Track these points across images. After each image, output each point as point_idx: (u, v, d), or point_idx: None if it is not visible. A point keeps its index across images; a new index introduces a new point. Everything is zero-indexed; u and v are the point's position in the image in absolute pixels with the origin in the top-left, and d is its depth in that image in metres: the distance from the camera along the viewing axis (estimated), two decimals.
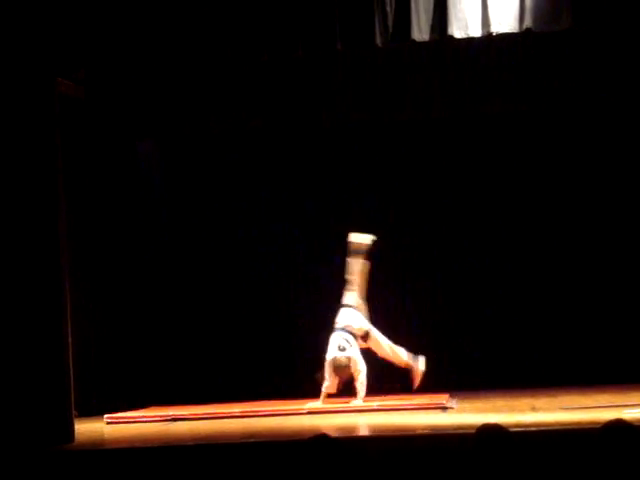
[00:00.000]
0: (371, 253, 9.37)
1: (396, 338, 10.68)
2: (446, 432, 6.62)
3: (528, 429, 6.45)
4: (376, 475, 5.58)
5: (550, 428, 6.54)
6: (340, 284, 10.41)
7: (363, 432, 7.13)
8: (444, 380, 9.92)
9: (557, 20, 7.89)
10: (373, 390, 9.48)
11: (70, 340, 7.66)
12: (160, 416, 8.97)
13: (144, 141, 10.84)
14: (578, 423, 6.66)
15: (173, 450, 6.69)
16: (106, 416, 8.89)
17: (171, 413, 9.01)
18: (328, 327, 9.63)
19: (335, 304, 10.21)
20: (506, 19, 7.92)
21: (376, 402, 8.81)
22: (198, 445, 6.70)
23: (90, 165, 10.10)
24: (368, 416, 8.19)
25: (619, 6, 7.86)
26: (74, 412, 7.77)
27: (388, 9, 7.97)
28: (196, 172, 11.33)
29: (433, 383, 9.71)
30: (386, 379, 10.17)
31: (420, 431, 6.80)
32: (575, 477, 5.19)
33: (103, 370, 10.03)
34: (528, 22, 7.90)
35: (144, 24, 8.26)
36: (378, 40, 8.03)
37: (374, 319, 9.43)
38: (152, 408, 9.65)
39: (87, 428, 8.34)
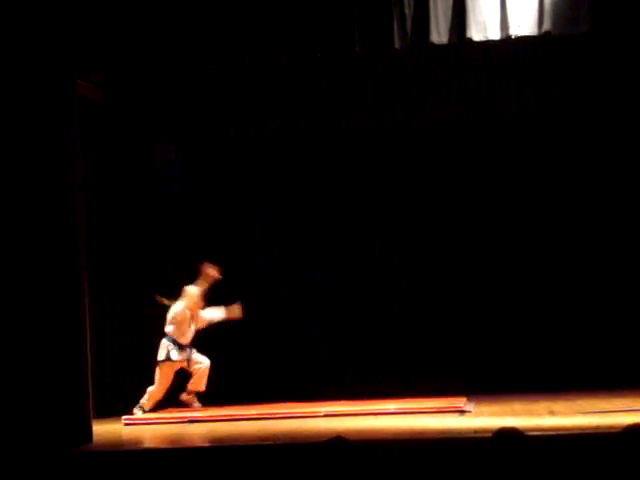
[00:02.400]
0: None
1: (413, 342, 10.75)
2: (463, 436, 6.60)
3: (546, 433, 6.43)
4: (392, 478, 5.58)
5: (568, 432, 6.51)
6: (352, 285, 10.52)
7: (380, 435, 7.11)
8: (462, 383, 9.92)
9: (576, 23, 7.87)
10: (390, 394, 9.50)
11: (89, 341, 7.69)
12: (177, 418, 8.99)
13: (162, 144, 10.87)
14: (597, 427, 6.62)
15: (190, 452, 6.71)
16: (124, 417, 8.93)
17: (188, 415, 9.03)
18: (338, 330, 9.68)
19: (344, 307, 10.35)
20: (525, 22, 7.90)
21: (393, 405, 8.80)
22: (214, 447, 6.72)
23: (109, 167, 10.15)
24: (385, 419, 8.18)
25: (638, 10, 7.83)
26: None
27: (407, 12, 7.97)
28: (214, 175, 11.36)
29: (451, 386, 9.73)
30: (401, 382, 10.21)
31: (437, 435, 6.79)
32: None
33: (122, 371, 10.06)
34: (547, 25, 7.88)
35: (163, 29, 8.29)
36: (397, 43, 8.02)
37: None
38: (169, 410, 9.67)
39: (105, 429, 8.37)
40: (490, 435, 4.15)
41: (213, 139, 10.59)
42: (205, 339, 11.00)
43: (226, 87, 9.66)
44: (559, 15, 7.84)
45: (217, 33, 8.25)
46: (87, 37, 8.16)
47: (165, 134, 10.21)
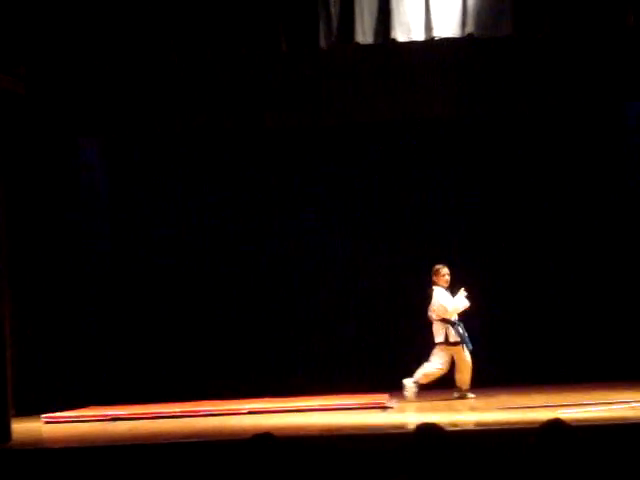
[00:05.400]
0: None
1: (337, 339, 10.81)
2: (385, 431, 6.68)
3: (466, 428, 6.54)
4: (316, 473, 5.61)
5: (488, 428, 6.64)
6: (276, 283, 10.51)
7: (304, 431, 7.15)
8: (385, 380, 10.02)
9: (498, 26, 7.99)
10: (317, 390, 9.55)
11: (9, 339, 7.56)
12: (99, 416, 8.90)
13: (85, 138, 10.73)
14: (516, 423, 6.77)
15: (112, 450, 6.64)
16: (43, 416, 8.80)
17: (110, 413, 8.94)
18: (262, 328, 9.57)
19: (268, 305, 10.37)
20: (448, 24, 7.99)
21: (317, 402, 8.85)
22: (137, 445, 6.67)
23: (30, 161, 9.98)
24: (309, 415, 8.22)
25: (559, 14, 7.99)
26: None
27: (332, 11, 7.99)
28: (138, 170, 11.27)
29: (375, 383, 9.83)
30: (325, 379, 10.27)
31: (360, 430, 6.86)
32: (513, 475, 5.28)
33: (41, 369, 9.91)
34: (470, 27, 7.99)
35: (86, 22, 8.17)
36: (322, 42, 8.05)
37: None
38: (91, 407, 9.57)
39: (25, 427, 8.24)
40: (411, 430, 4.21)
41: (137, 134, 10.50)
42: (131, 337, 10.97)
43: (152, 82, 9.57)
44: (482, 18, 7.95)
45: (142, 27, 8.15)
46: (7, 30, 8.01)
47: (88, 128, 10.07)
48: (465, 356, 9.29)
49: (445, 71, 9.29)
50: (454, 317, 9.38)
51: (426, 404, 8.78)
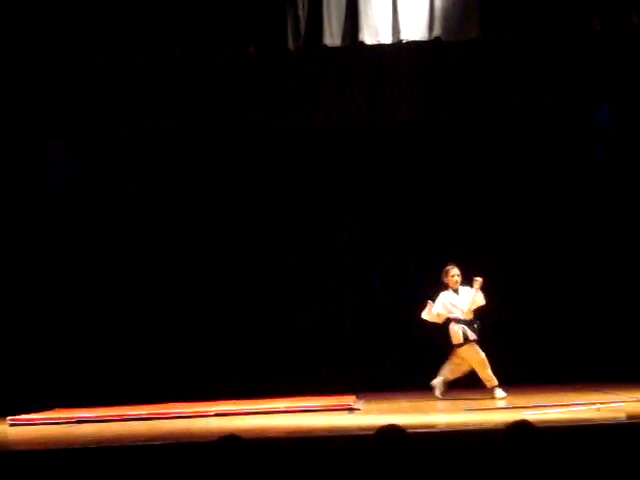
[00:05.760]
0: None
1: (304, 341, 10.81)
2: (350, 433, 6.69)
3: (432, 430, 6.57)
4: (282, 475, 5.62)
5: (454, 429, 6.67)
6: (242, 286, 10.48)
7: (271, 433, 7.14)
8: (353, 382, 10.04)
9: (465, 30, 8.04)
10: (284, 392, 9.55)
11: None
12: (65, 418, 8.84)
13: (52, 139, 10.67)
14: (481, 424, 6.80)
15: (77, 452, 6.60)
16: (9, 418, 8.73)
17: (76, 415, 8.89)
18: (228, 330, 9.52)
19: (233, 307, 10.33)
20: (416, 27, 8.03)
21: (284, 404, 8.85)
22: (102, 447, 6.64)
23: None
24: (276, 417, 8.22)
25: (525, 18, 8.05)
26: None
27: (300, 14, 8.01)
28: (106, 171, 11.21)
29: (342, 385, 9.85)
30: (293, 381, 10.27)
31: (326, 432, 6.86)
32: (478, 477, 5.30)
33: (6, 372, 9.84)
34: (437, 31, 8.03)
35: (52, 21, 8.12)
36: (291, 45, 8.06)
37: None
38: (57, 410, 9.50)
39: None
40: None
41: (104, 135, 10.45)
42: (98, 339, 10.90)
43: (119, 82, 9.51)
44: (449, 21, 8.01)
45: (109, 28, 8.13)
46: None
47: (55, 129, 10.00)
48: (473, 353, 9.20)
49: (412, 74, 9.32)
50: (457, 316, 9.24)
51: (394, 406, 8.81)
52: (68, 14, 8.16)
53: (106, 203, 11.15)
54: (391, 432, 4.14)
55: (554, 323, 10.62)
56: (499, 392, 9.01)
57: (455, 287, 9.30)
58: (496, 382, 9.03)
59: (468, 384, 9.61)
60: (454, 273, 9.28)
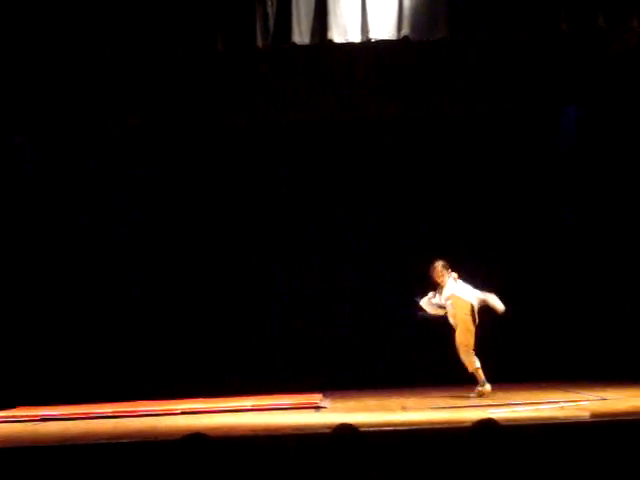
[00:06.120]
0: None
1: (271, 340, 10.80)
2: (316, 431, 6.70)
3: (398, 428, 6.59)
4: (247, 473, 5.61)
5: (420, 427, 6.69)
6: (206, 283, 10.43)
7: (237, 432, 7.14)
8: (320, 381, 10.05)
9: (434, 29, 8.07)
10: (252, 391, 9.55)
11: None
12: (29, 416, 8.78)
13: (18, 137, 10.59)
14: (447, 422, 6.84)
15: (40, 450, 6.55)
16: None
17: (40, 413, 8.83)
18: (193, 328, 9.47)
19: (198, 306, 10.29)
20: (385, 26, 8.05)
21: (250, 402, 8.84)
22: (67, 445, 6.60)
23: None
24: (242, 416, 8.21)
25: (493, 18, 8.09)
26: None
27: (269, 11, 7.99)
28: (72, 169, 11.14)
29: (309, 383, 9.86)
30: (260, 379, 10.26)
31: (293, 430, 6.87)
32: (443, 474, 5.33)
33: None
34: (405, 30, 8.05)
35: (17, 19, 8.04)
36: (259, 42, 8.04)
37: None
38: (20, 408, 9.43)
39: None
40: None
41: (72, 133, 10.39)
42: (62, 337, 10.83)
43: (85, 80, 9.45)
44: (418, 20, 8.02)
45: (75, 25, 8.06)
46: None
47: (21, 127, 9.93)
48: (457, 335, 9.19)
49: (381, 73, 9.34)
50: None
51: (360, 404, 8.82)
52: (34, 13, 8.08)
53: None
54: (346, 431, 4.15)
55: (521, 322, 10.67)
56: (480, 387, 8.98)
57: (439, 281, 9.25)
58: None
59: (437, 381, 9.67)
60: (439, 269, 9.23)
